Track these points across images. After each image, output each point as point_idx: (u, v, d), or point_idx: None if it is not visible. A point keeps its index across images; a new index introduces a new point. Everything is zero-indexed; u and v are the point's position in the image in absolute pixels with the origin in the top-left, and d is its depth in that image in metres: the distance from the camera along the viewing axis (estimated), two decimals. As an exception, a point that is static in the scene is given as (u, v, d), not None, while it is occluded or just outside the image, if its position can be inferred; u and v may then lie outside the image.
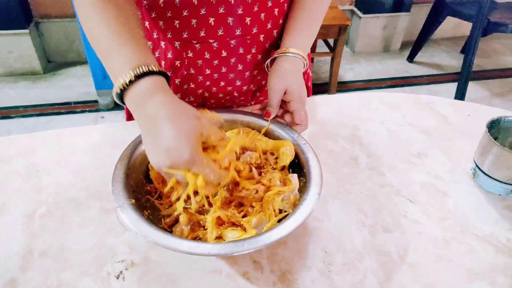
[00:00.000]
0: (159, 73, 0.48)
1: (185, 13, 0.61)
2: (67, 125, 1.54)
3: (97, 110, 2.00)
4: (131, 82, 0.46)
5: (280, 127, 0.62)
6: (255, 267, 0.50)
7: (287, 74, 0.62)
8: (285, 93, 0.62)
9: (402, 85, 2.37)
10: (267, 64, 0.68)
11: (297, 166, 0.58)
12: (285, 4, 0.67)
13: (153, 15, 0.63)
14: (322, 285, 0.49)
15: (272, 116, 0.63)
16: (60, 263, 0.49)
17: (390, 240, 0.54)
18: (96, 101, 2.03)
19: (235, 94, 0.75)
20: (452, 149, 0.70)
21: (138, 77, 0.46)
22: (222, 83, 0.72)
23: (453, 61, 2.59)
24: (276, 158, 0.60)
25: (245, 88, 0.75)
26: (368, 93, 0.85)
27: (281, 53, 0.64)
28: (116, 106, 2.02)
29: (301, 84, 0.63)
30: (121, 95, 0.48)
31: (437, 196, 0.61)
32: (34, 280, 0.48)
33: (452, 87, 2.28)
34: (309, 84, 0.86)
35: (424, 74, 2.48)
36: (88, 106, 2.02)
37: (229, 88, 0.73)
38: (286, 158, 0.58)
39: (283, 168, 0.59)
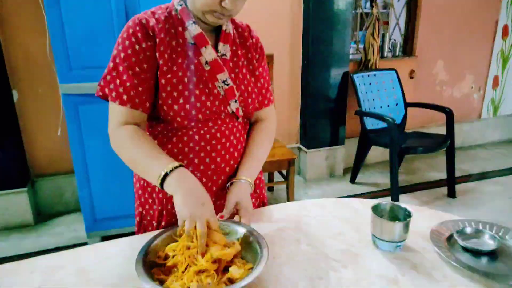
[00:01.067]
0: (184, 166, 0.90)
1: (180, 157, 1.02)
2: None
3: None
4: (170, 171, 0.86)
5: (232, 222, 0.97)
6: (240, 307, 0.79)
7: (239, 193, 1.02)
8: (237, 204, 1.00)
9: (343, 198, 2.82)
10: (227, 186, 1.07)
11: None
12: (241, 149, 1.10)
13: None
14: (282, 311, 0.78)
15: (225, 218, 0.99)
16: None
17: (322, 284, 0.86)
18: (85, 243, 2.27)
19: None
20: (360, 228, 1.07)
21: (174, 169, 0.87)
22: None
23: (387, 179, 3.13)
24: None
25: (218, 203, 1.11)
26: (305, 201, 1.24)
27: (236, 179, 1.05)
28: (103, 246, 2.26)
29: (247, 199, 1.03)
30: (162, 183, 0.87)
31: (351, 256, 0.95)
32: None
33: (388, 200, 2.75)
34: (265, 200, 1.25)
35: (365, 192, 2.97)
36: (77, 248, 2.25)
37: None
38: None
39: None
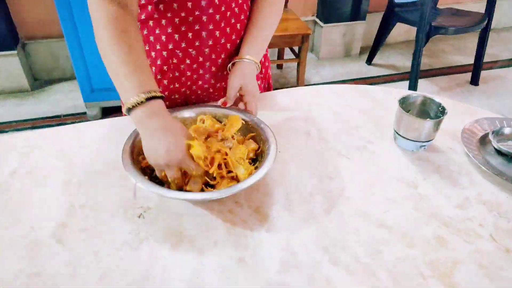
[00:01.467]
0: (160, 97, 0.68)
1: (169, 30, 0.82)
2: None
3: (86, 121, 2.17)
4: (141, 103, 0.66)
5: (236, 110, 0.83)
6: (237, 205, 0.71)
7: (243, 75, 0.84)
8: (240, 89, 0.83)
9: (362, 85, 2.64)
10: (229, 67, 0.89)
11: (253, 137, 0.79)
12: (245, 20, 0.89)
13: (145, 31, 0.84)
14: (285, 213, 0.70)
15: (229, 105, 0.84)
16: (96, 211, 0.69)
17: (332, 184, 0.76)
18: (84, 113, 2.20)
19: (211, 90, 0.96)
20: (380, 122, 0.93)
21: (147, 100, 0.66)
22: (200, 82, 0.93)
23: (407, 62, 2.89)
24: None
25: (218, 85, 0.95)
26: (320, 85, 1.08)
27: (239, 59, 0.86)
28: (103, 116, 2.19)
29: (253, 82, 0.85)
30: (129, 110, 0.67)
31: (367, 154, 0.84)
32: (79, 222, 0.66)
33: (405, 84, 2.56)
34: (270, 81, 1.08)
35: (381, 75, 2.76)
36: (77, 118, 2.19)
37: (206, 86, 0.94)
38: (236, 124, 0.78)
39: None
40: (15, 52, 2.25)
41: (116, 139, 0.78)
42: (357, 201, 0.72)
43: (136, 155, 0.73)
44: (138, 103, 0.66)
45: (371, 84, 2.70)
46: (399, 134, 0.84)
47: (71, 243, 0.63)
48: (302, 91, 1.05)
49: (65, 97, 2.37)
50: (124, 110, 0.68)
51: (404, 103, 0.85)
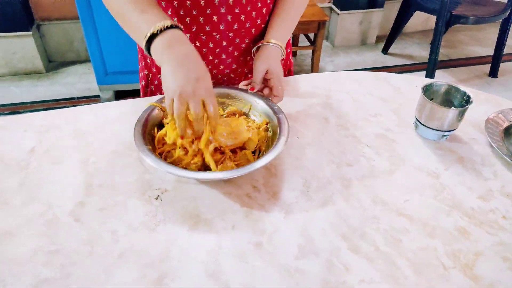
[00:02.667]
0: (178, 28, 0.67)
1: (194, 12, 0.80)
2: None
3: (99, 104, 2.18)
4: (161, 31, 0.64)
5: (259, 98, 0.81)
6: (254, 190, 0.70)
7: (268, 58, 0.82)
8: (266, 73, 0.82)
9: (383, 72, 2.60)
10: (253, 51, 0.88)
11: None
12: (271, 5, 0.87)
13: (168, 12, 0.82)
14: (302, 199, 0.69)
15: (256, 89, 0.82)
16: (114, 190, 0.68)
17: (351, 171, 0.75)
18: (98, 96, 2.21)
19: (232, 75, 0.95)
20: (401, 110, 0.91)
21: (166, 29, 0.65)
22: (222, 67, 0.91)
23: (423, 52, 2.83)
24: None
25: (239, 70, 0.94)
26: (339, 72, 1.05)
27: (265, 43, 0.84)
28: (116, 99, 2.20)
29: (279, 66, 0.83)
30: (148, 47, 0.65)
31: (387, 142, 0.82)
32: (96, 201, 0.66)
33: (422, 75, 2.51)
34: (291, 68, 1.06)
35: (397, 64, 2.71)
36: (90, 101, 2.20)
37: (227, 70, 0.93)
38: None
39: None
40: (30, 33, 2.26)
41: (132, 121, 0.78)
42: (376, 189, 0.71)
43: (147, 134, 0.72)
44: (156, 33, 0.65)
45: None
46: (420, 123, 0.82)
47: (89, 222, 0.63)
48: (321, 77, 1.03)
49: (79, 79, 2.38)
50: (144, 49, 0.67)
51: (428, 91, 0.83)
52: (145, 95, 1.00)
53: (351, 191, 0.70)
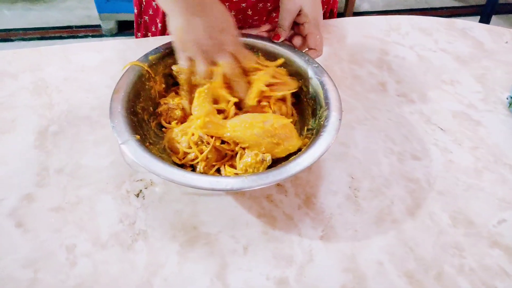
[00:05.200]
0: None
1: None
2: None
3: (100, 36, 1.91)
4: None
5: (290, 50, 0.56)
6: (279, 190, 0.48)
7: None
8: (298, 14, 0.56)
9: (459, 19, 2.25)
10: None
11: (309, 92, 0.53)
12: None
13: None
14: (348, 209, 0.47)
15: (282, 38, 0.56)
16: (78, 180, 0.48)
17: (419, 167, 0.52)
18: (99, 26, 1.93)
19: (249, 12, 0.68)
20: (487, 78, 0.65)
21: None
22: None
23: (478, -7, 2.42)
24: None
25: (260, 5, 0.67)
26: (397, 16, 0.78)
27: None
28: (120, 32, 1.93)
29: (317, 5, 0.56)
30: None
31: (469, 125, 0.58)
32: (51, 196, 0.46)
33: (474, 20, 2.14)
34: (335, 8, 0.79)
35: (445, 6, 2.32)
36: (90, 31, 1.93)
37: (243, 4, 0.66)
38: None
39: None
40: None
41: (116, 74, 0.55)
42: (457, 199, 0.49)
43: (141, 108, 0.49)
44: None
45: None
46: (520, 100, 0.57)
47: (36, 228, 0.43)
48: (376, 22, 0.76)
49: (79, 4, 2.09)
50: None
51: (539, 54, 0.57)
52: (138, 29, 0.76)
53: (419, 201, 0.48)
